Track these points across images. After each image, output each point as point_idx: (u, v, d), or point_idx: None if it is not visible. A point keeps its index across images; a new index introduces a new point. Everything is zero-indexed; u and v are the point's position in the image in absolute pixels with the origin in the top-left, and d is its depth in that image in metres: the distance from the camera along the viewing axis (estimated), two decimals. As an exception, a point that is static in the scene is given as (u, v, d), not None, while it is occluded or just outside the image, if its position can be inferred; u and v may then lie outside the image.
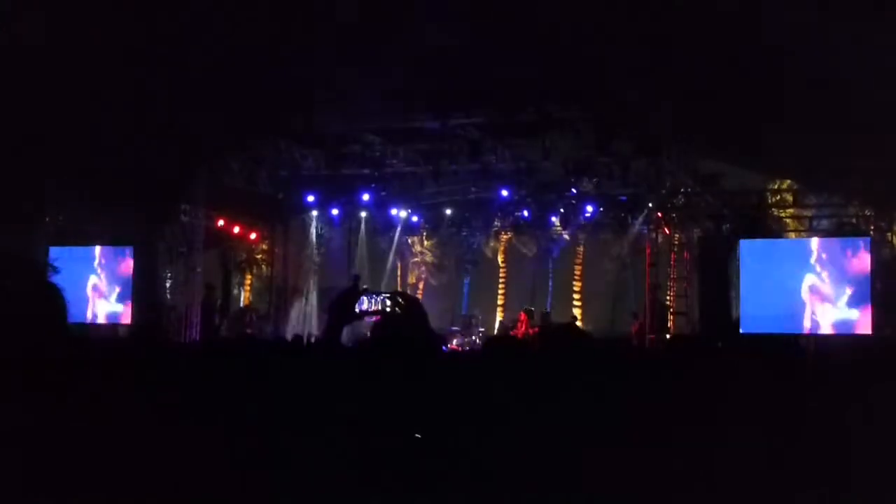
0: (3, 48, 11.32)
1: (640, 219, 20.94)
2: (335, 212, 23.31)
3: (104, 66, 12.60)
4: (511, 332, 19.47)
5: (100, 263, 20.13)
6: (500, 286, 27.01)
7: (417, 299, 4.19)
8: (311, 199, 22.18)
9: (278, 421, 2.89)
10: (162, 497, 2.60)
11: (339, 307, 3.18)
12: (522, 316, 20.09)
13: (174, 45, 12.52)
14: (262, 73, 13.97)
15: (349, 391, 2.90)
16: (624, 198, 20.97)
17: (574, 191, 20.64)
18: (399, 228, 25.08)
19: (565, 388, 3.02)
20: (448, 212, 23.62)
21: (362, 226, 24.19)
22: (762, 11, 11.25)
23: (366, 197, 21.85)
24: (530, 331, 19.24)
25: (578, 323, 24.30)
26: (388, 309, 3.26)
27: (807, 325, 17.16)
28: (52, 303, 2.59)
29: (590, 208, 21.82)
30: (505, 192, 21.14)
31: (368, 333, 3.16)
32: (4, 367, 2.38)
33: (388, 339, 3.05)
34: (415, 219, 24.69)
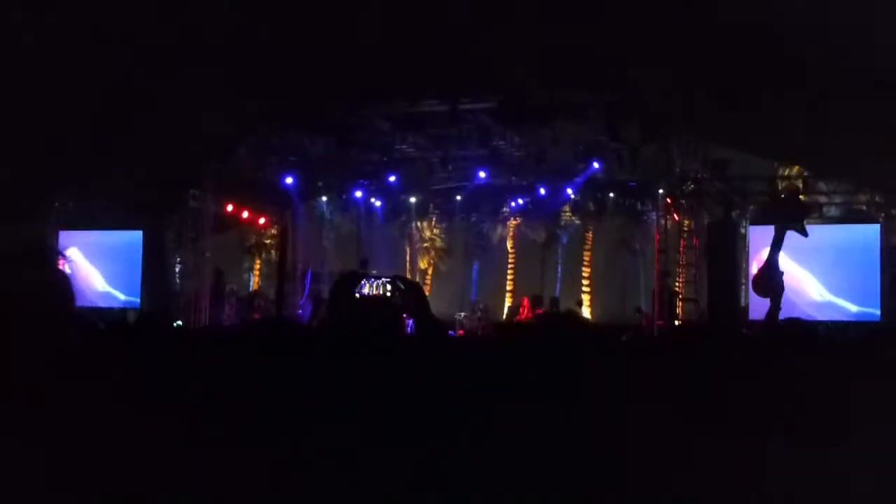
0: (13, 34, 11.35)
1: (650, 205, 20.89)
2: (344, 197, 23.31)
3: (113, 54, 12.62)
4: (515, 318, 19.55)
5: (109, 248, 20.20)
6: (509, 272, 27.00)
7: (418, 284, 4.18)
8: (319, 184, 22.19)
9: (273, 413, 2.89)
10: (163, 488, 2.62)
11: (339, 292, 3.17)
12: (525, 301, 20.14)
13: (183, 32, 12.52)
14: (270, 59, 13.96)
15: (340, 380, 2.91)
16: (633, 184, 20.91)
17: (583, 177, 20.58)
18: (408, 214, 25.10)
19: (565, 379, 3.02)
20: (457, 197, 23.60)
21: (370, 211, 24.20)
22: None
23: (374, 183, 21.85)
24: (531, 314, 19.30)
25: (587, 308, 24.32)
26: (388, 294, 3.28)
27: (816, 312, 17.14)
28: (60, 292, 2.59)
29: (599, 194, 21.76)
30: (514, 178, 21.11)
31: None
32: (9, 359, 2.39)
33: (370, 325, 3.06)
34: (424, 204, 24.68)
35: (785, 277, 15.52)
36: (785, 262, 16.99)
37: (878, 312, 17.12)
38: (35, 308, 2.50)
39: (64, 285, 2.62)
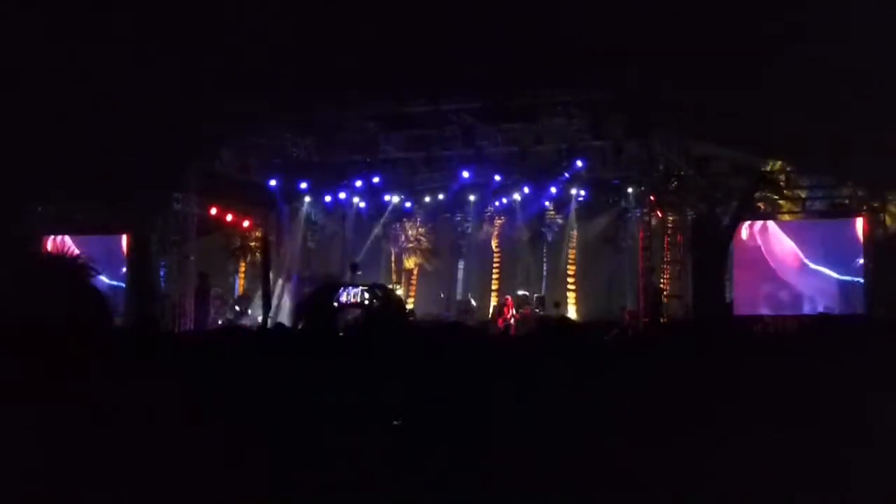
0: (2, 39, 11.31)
1: (634, 202, 20.92)
2: (328, 198, 23.25)
3: (98, 58, 12.58)
4: (499, 319, 19.59)
5: (95, 252, 20.05)
6: (495, 271, 26.96)
7: (395, 292, 4.17)
8: (303, 185, 22.15)
9: (271, 413, 2.89)
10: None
11: (317, 301, 3.16)
12: (509, 301, 20.18)
13: (168, 36, 12.49)
14: (252, 61, 13.93)
15: (339, 383, 2.91)
16: (617, 181, 20.94)
17: (567, 175, 20.60)
18: (392, 214, 25.05)
19: (558, 378, 3.03)
20: (441, 197, 23.57)
21: (355, 212, 24.13)
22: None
23: (358, 183, 21.80)
24: (517, 315, 19.34)
25: (571, 306, 24.34)
26: (366, 302, 3.28)
27: (801, 307, 17.22)
28: (97, 306, 2.62)
29: (583, 192, 21.79)
30: (498, 177, 21.11)
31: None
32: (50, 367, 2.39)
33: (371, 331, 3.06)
34: (408, 204, 24.62)
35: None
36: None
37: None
38: (80, 315, 2.53)
39: (97, 298, 2.66)
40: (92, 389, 2.44)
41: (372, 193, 22.90)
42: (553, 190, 21.92)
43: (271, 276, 22.52)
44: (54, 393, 2.38)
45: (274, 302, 21.98)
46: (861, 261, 17.54)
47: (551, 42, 13.66)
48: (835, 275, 17.59)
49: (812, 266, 17.78)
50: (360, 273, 21.49)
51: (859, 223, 17.95)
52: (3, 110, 12.66)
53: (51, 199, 19.56)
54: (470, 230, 26.33)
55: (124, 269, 19.64)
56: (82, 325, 2.58)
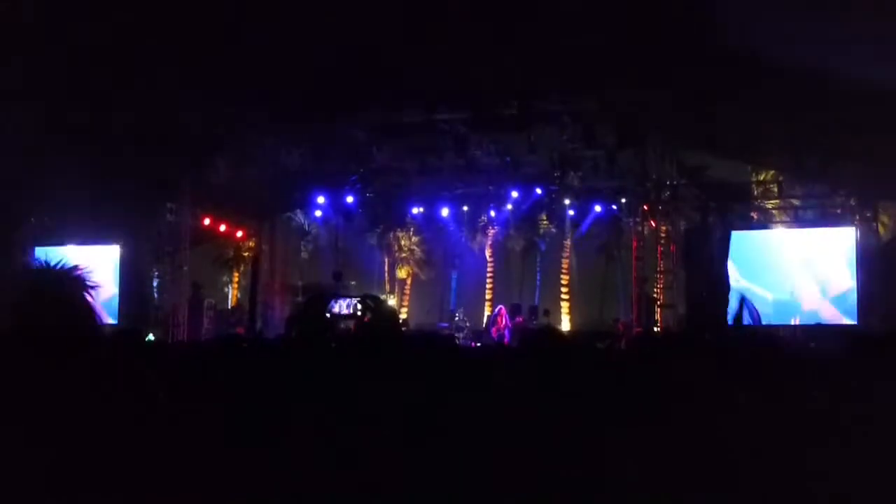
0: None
1: (626, 211, 20.95)
2: (321, 209, 23.24)
3: (90, 67, 12.56)
4: (493, 328, 19.62)
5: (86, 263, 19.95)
6: (488, 281, 27.02)
7: (387, 302, 4.19)
8: (296, 195, 22.12)
9: (267, 421, 2.90)
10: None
11: (309, 312, 3.16)
12: (502, 310, 20.22)
13: (162, 43, 12.47)
14: (247, 70, 13.92)
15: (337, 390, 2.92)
16: (610, 191, 20.97)
17: (560, 184, 20.64)
18: (385, 224, 25.05)
19: (541, 390, 3.04)
20: (434, 207, 23.58)
21: (348, 222, 24.15)
22: (744, 3, 11.28)
23: (350, 199, 21.77)
24: (510, 324, 19.37)
25: (565, 316, 24.37)
26: (359, 313, 3.29)
27: (793, 317, 17.24)
28: (84, 319, 2.62)
29: (576, 202, 21.82)
30: (491, 187, 21.14)
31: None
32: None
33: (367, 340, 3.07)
34: (401, 214, 24.63)
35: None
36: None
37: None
38: (66, 324, 2.52)
39: (89, 311, 2.65)
40: (74, 403, 2.43)
41: (365, 203, 22.90)
42: (545, 200, 21.95)
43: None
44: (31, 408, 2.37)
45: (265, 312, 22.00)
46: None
47: (543, 52, 13.67)
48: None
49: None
50: (353, 283, 21.48)
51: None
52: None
53: (43, 211, 19.51)
54: (463, 240, 26.39)
55: (117, 280, 19.59)
56: (66, 338, 2.56)
